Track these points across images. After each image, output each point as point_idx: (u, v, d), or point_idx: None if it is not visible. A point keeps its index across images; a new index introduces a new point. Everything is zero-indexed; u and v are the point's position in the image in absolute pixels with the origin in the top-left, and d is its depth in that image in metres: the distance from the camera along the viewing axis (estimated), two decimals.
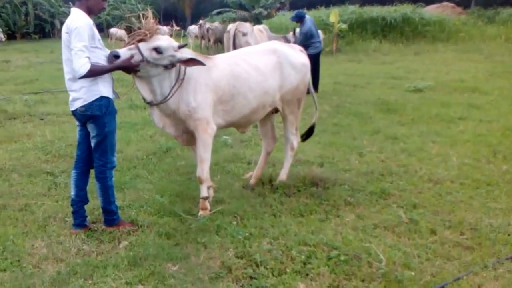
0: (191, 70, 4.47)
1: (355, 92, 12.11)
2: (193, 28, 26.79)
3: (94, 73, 3.99)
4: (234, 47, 10.47)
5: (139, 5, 43.92)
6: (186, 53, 4.40)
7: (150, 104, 4.48)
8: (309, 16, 11.99)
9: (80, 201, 4.45)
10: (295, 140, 5.54)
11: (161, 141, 7.52)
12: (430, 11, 28.04)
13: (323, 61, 19.80)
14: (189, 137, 4.79)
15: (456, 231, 4.44)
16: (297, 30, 12.23)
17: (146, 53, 4.17)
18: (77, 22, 3.95)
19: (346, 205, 5.00)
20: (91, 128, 4.21)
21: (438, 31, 24.17)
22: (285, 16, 30.01)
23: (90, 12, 4.15)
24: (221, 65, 4.73)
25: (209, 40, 23.64)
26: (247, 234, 4.29)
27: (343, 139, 7.60)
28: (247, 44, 10.34)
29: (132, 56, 4.14)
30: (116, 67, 4.13)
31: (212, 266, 3.83)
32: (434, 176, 5.87)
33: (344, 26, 23.27)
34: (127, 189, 5.19)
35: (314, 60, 10.79)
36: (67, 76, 4.24)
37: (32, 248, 4.17)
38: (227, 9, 27.81)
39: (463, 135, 7.77)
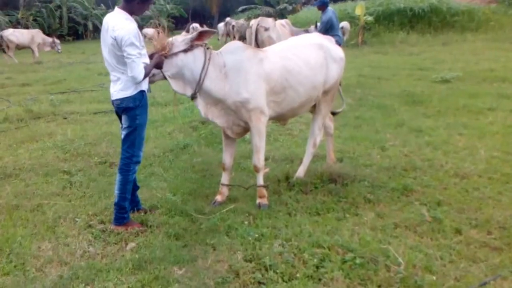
0: (240, 61, 4.44)
1: (380, 84, 11.66)
2: (221, 26, 26.66)
3: (146, 75, 4.05)
4: (256, 43, 10.26)
5: (168, 5, 43.93)
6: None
7: (192, 97, 4.44)
8: (333, 8, 11.52)
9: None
10: (319, 136, 5.32)
11: (179, 137, 7.30)
12: (459, 1, 27.12)
13: (348, 53, 19.27)
14: (240, 129, 4.68)
15: (483, 231, 4.07)
16: (319, 24, 11.78)
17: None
18: (129, 28, 3.93)
19: (365, 203, 4.67)
20: (124, 120, 4.19)
21: (467, 20, 23.27)
22: (311, 11, 29.56)
23: (132, 14, 4.11)
24: (273, 58, 4.66)
25: (234, 37, 23.48)
26: (258, 235, 4.01)
27: (365, 133, 7.23)
28: (269, 39, 10.07)
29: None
30: (152, 66, 4.15)
31: (219, 270, 3.56)
32: (461, 171, 5.48)
33: (370, 18, 22.70)
34: (141, 188, 4.95)
35: None
36: (111, 71, 4.17)
37: (38, 250, 3.98)
38: (252, 5, 27.46)
39: (492, 126, 7.30)
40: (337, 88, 5.30)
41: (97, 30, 25.95)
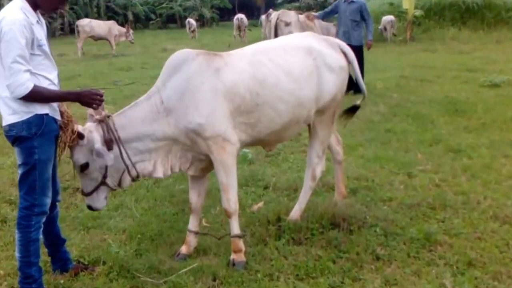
0: (185, 79, 3.34)
1: (421, 88, 10.27)
2: (263, 18, 25.43)
3: (39, 97, 2.91)
4: None
5: None
6: None
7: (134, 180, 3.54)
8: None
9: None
10: (319, 166, 4.09)
11: None
12: None
13: (393, 50, 17.98)
14: (205, 164, 3.56)
15: None
16: (319, 12, 10.55)
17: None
18: (13, 18, 2.84)
19: (373, 261, 3.53)
20: (17, 154, 3.06)
21: None
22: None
23: (36, 7, 3.02)
24: (239, 64, 3.49)
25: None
26: None
27: (393, 152, 6.02)
28: None
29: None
30: (61, 95, 3.11)
31: None
32: (502, 212, 4.26)
33: (419, 12, 20.92)
34: (93, 229, 3.98)
35: (359, 53, 9.00)
36: None
37: None
38: None
39: None
40: (337, 105, 4.04)
41: (138, 20, 24.85)
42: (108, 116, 3.35)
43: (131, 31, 21.02)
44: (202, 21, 38.23)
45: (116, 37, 19.95)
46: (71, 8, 34.03)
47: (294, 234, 3.83)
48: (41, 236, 3.15)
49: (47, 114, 3.00)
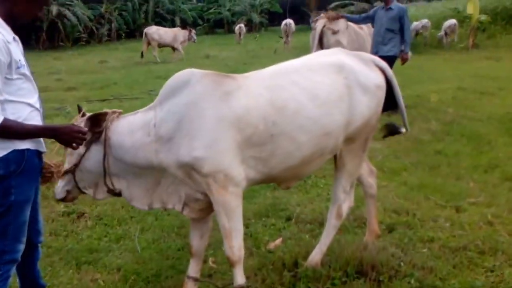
0: (186, 103, 2.84)
1: (480, 101, 9.39)
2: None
3: (9, 133, 2.50)
4: (322, 49, 8.00)
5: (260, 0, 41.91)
6: None
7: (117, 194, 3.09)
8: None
9: None
10: (346, 203, 3.49)
11: None
12: None
13: (454, 58, 16.88)
14: (204, 205, 3.04)
15: None
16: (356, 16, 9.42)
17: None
18: None
19: None
20: None
21: None
22: (418, 8, 26.64)
23: (11, 20, 2.61)
24: (254, 88, 2.96)
25: None
26: None
27: (442, 179, 5.34)
28: (338, 44, 7.93)
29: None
30: (36, 130, 2.65)
31: None
32: None
33: (484, 17, 19.65)
34: (86, 265, 3.57)
35: (390, 66, 8.15)
36: None
37: None
38: (347, 1, 25.10)
39: None
40: (371, 131, 3.40)
41: (185, 26, 24.79)
42: (119, 113, 3.01)
43: (193, 32, 20.93)
44: (250, 26, 37.82)
45: (182, 43, 19.93)
46: (119, 14, 34.13)
47: (312, 283, 3.24)
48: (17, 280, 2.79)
49: (28, 149, 2.61)
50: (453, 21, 19.81)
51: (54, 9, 27.59)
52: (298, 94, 2.98)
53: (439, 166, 5.81)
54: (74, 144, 2.70)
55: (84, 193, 3.08)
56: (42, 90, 2.88)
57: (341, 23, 8.45)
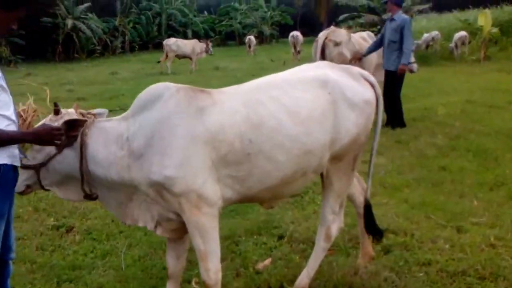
0: (159, 119, 2.72)
1: (489, 115, 9.15)
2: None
3: None
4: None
5: (271, 12, 41.92)
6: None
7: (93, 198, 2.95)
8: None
9: None
10: (336, 224, 3.32)
11: None
12: None
13: (464, 70, 16.59)
14: (176, 225, 2.90)
15: None
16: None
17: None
18: None
19: None
20: None
21: None
22: (427, 19, 26.35)
23: None
24: (231, 104, 2.83)
25: None
26: None
27: (444, 196, 5.15)
28: (341, 56, 7.90)
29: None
30: (14, 137, 2.56)
31: None
32: None
33: (495, 30, 19.39)
34: (67, 283, 3.43)
35: (394, 80, 7.97)
36: None
37: None
38: (355, 13, 24.99)
39: None
40: (359, 149, 3.21)
41: (197, 38, 25.18)
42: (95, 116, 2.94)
43: (210, 44, 21.19)
44: (261, 38, 38.06)
45: (199, 54, 20.07)
46: (133, 27, 34.84)
47: None
48: None
49: (5, 164, 2.53)
50: (463, 33, 19.58)
51: (70, 22, 28.31)
52: (277, 111, 2.85)
53: (442, 182, 5.61)
54: (56, 142, 2.64)
55: (47, 190, 2.95)
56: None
57: (343, 35, 8.32)
